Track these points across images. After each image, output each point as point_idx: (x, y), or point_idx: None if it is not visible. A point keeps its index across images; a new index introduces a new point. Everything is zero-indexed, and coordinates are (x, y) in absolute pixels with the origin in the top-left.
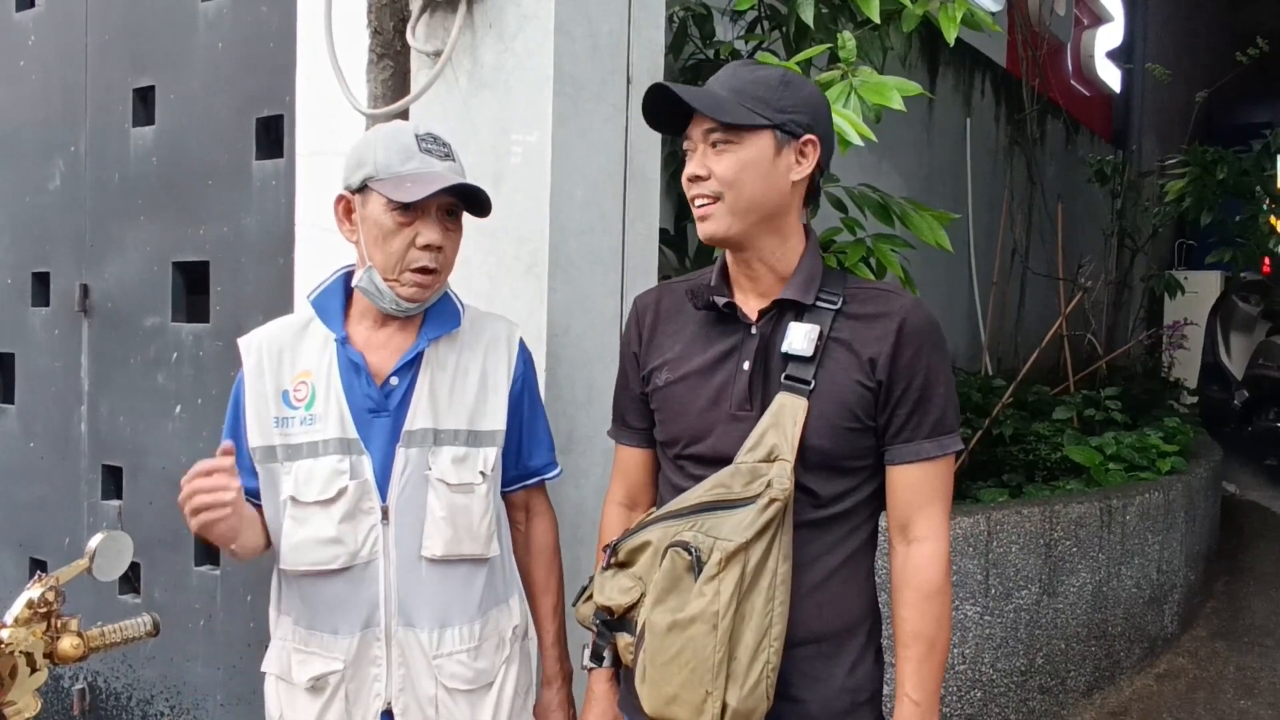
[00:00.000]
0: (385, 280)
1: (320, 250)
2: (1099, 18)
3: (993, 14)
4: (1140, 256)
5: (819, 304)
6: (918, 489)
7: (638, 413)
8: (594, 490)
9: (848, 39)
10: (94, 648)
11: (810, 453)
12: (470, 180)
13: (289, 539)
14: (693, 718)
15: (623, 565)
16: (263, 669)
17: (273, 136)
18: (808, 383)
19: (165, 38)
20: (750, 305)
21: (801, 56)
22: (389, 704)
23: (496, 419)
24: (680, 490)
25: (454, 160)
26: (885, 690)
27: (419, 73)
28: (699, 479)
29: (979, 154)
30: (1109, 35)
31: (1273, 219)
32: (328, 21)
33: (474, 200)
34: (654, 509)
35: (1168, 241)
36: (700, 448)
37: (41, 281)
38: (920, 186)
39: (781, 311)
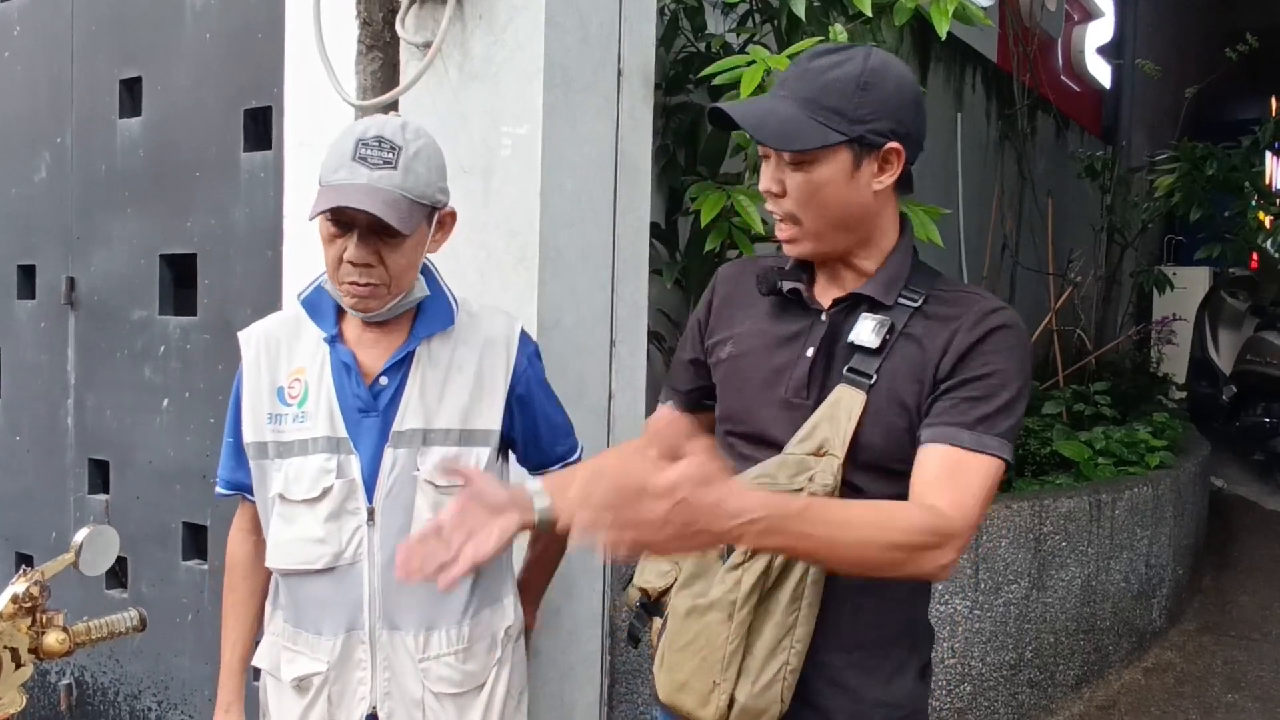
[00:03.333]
0: (336, 287)
1: (309, 243)
2: (1089, 13)
3: (984, 9)
4: (1130, 252)
5: (900, 303)
6: (941, 475)
7: (685, 377)
8: None
9: (839, 32)
10: (80, 643)
11: (861, 450)
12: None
13: (275, 537)
14: (699, 708)
15: None
16: (254, 662)
17: (261, 128)
18: (870, 376)
19: (152, 28)
20: (827, 294)
21: (793, 50)
22: (374, 708)
23: (491, 419)
24: (731, 472)
25: (394, 168)
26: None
27: (408, 64)
28: (747, 460)
29: (970, 149)
30: (1099, 31)
31: (1261, 215)
32: (316, 12)
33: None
34: None
35: (1157, 237)
36: (749, 428)
37: (27, 274)
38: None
39: (856, 303)
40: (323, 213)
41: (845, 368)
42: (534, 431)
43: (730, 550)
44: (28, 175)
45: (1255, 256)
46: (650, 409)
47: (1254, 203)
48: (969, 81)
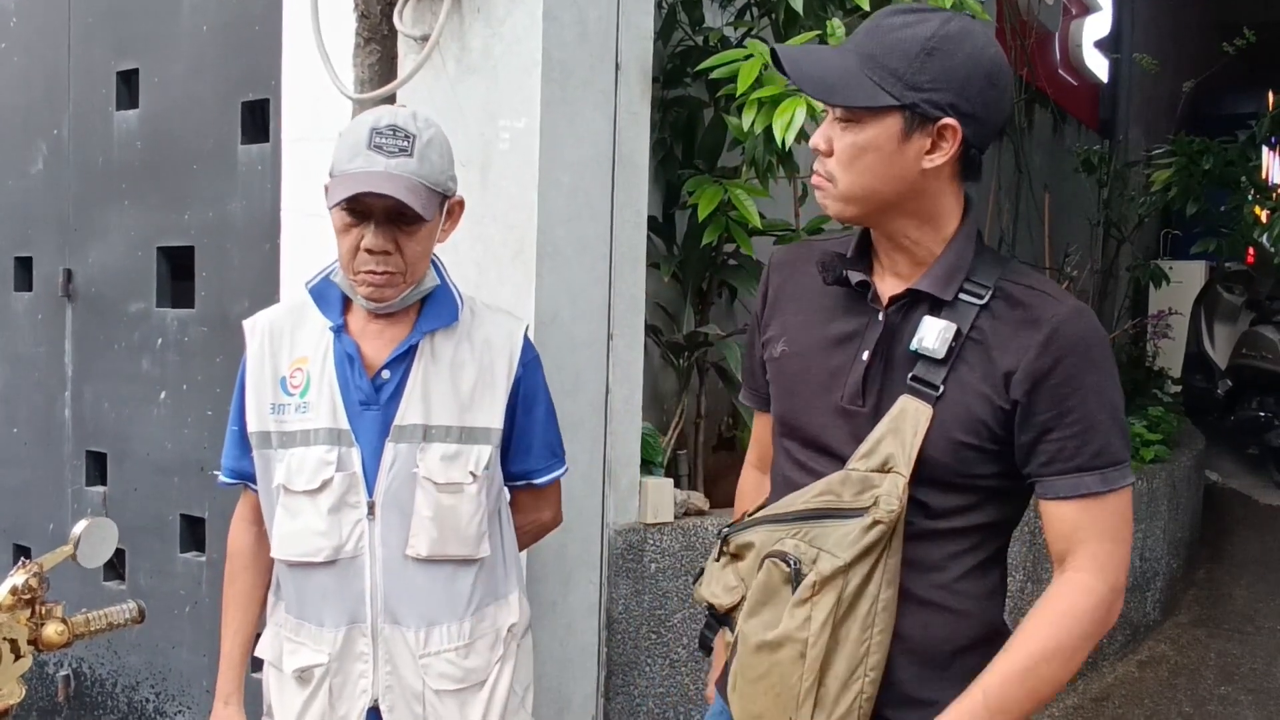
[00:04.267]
0: (348, 278)
1: (306, 235)
2: (1087, 7)
3: (981, 3)
4: (1126, 246)
5: (961, 299)
6: (1079, 526)
7: (761, 377)
8: (581, 477)
9: (837, 26)
10: (78, 634)
11: (926, 465)
12: (419, 177)
13: (279, 528)
14: None
15: (735, 556)
16: (256, 653)
17: (258, 121)
18: (936, 388)
19: (149, 20)
20: (886, 285)
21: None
22: (375, 700)
23: (491, 417)
24: (787, 479)
25: (410, 155)
26: None
27: (406, 57)
28: (804, 468)
29: None
30: (1097, 24)
31: (1257, 209)
32: (314, 4)
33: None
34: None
35: (1154, 231)
36: (805, 434)
37: (24, 266)
38: None
39: (915, 301)
40: (342, 201)
41: (909, 376)
42: (527, 441)
43: (798, 579)
44: (24, 167)
45: (1251, 251)
46: (646, 402)
47: (1250, 197)
48: None
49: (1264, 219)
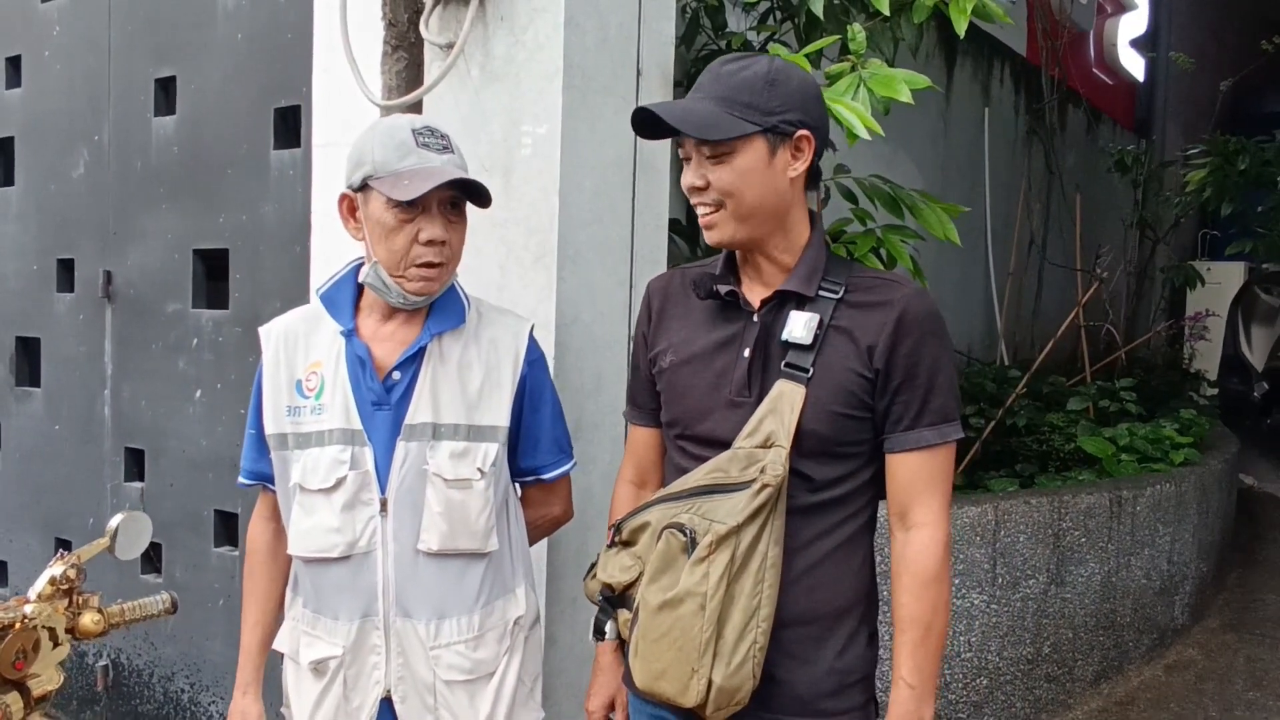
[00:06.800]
0: (392, 276)
1: (335, 239)
2: (1122, 5)
3: (1009, 4)
4: (1161, 247)
5: (821, 294)
6: (917, 476)
7: (647, 393)
8: (601, 476)
9: (858, 31)
10: (114, 624)
11: (806, 438)
12: (475, 170)
13: (296, 525)
14: (680, 694)
15: (626, 544)
16: (275, 646)
17: (290, 127)
18: (806, 370)
19: (186, 29)
20: (754, 294)
21: (812, 48)
22: (389, 691)
23: (498, 415)
24: (682, 471)
25: (453, 152)
26: (883, 673)
27: (432, 65)
28: (699, 460)
29: (997, 143)
30: (1132, 23)
31: None
32: (343, 14)
33: (475, 191)
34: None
35: (1191, 231)
36: (699, 430)
37: (66, 268)
38: (937, 176)
39: (783, 300)
40: (430, 191)
41: (783, 364)
42: (534, 437)
43: (694, 544)
44: (66, 172)
45: None
46: None
47: None
48: (997, 76)
49: None
